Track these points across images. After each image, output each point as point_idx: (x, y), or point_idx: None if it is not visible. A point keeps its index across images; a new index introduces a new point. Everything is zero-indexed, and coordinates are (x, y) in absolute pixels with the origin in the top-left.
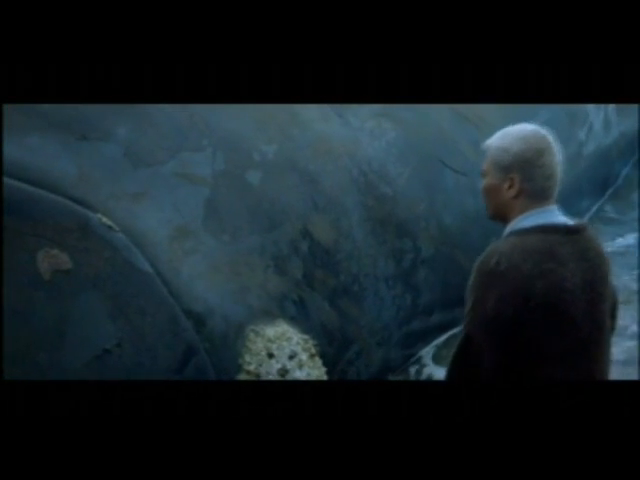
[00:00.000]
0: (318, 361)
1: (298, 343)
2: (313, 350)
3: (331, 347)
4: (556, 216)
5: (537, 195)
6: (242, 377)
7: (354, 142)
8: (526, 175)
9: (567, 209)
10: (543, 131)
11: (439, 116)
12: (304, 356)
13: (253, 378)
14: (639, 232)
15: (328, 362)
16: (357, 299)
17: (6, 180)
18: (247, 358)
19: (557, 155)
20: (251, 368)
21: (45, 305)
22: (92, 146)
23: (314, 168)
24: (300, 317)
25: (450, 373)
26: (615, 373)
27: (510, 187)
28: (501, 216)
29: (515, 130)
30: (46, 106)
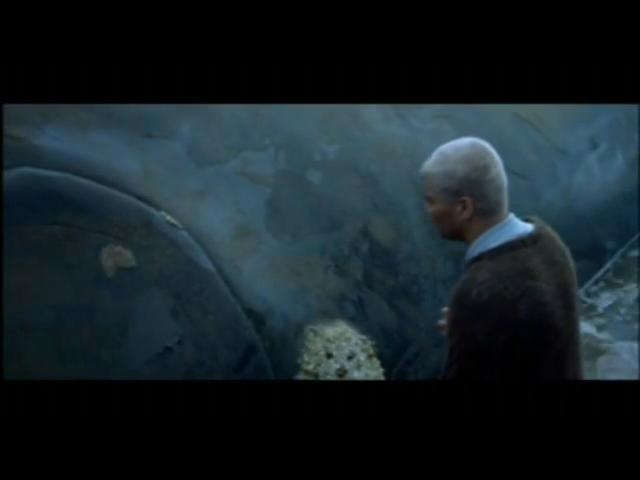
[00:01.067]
0: (376, 362)
1: (357, 343)
2: (371, 351)
3: (389, 348)
4: (516, 226)
5: (492, 211)
6: (300, 377)
7: (414, 143)
8: (477, 195)
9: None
10: (479, 143)
11: (499, 118)
12: (362, 356)
13: (311, 378)
14: None
15: (386, 363)
16: (416, 300)
17: (72, 177)
18: (306, 358)
19: (499, 163)
20: (310, 368)
21: (108, 302)
22: (157, 144)
23: (374, 169)
24: (359, 317)
25: None
26: None
27: (463, 209)
28: (457, 237)
29: (453, 151)
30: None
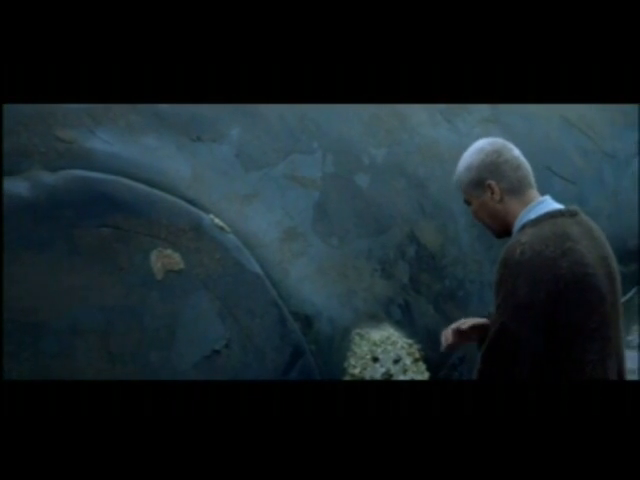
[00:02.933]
0: (422, 366)
1: (403, 347)
2: (417, 355)
3: (435, 352)
4: (553, 203)
5: (516, 188)
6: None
7: (462, 147)
8: (497, 176)
9: None
10: (492, 138)
11: (546, 122)
12: (408, 360)
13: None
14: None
15: (432, 367)
16: (462, 304)
17: (122, 180)
18: (352, 361)
19: (514, 149)
20: (356, 372)
21: (157, 305)
22: (206, 147)
23: (422, 173)
24: (405, 321)
25: (486, 364)
26: None
27: (492, 193)
28: (504, 228)
29: (468, 151)
30: (162, 107)
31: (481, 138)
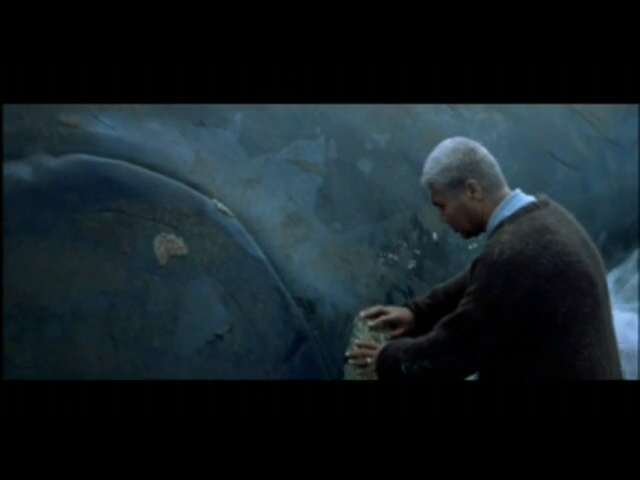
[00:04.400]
0: None
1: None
2: None
3: None
4: (525, 197)
5: (495, 185)
6: (349, 366)
7: (465, 133)
8: (478, 174)
9: None
10: (456, 138)
11: (550, 108)
12: None
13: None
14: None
15: None
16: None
17: (126, 164)
18: (355, 347)
19: (481, 146)
20: None
21: (160, 290)
22: (209, 132)
23: (425, 158)
24: None
25: (440, 337)
26: None
27: (473, 192)
28: (477, 227)
29: (439, 151)
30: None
31: (486, 124)
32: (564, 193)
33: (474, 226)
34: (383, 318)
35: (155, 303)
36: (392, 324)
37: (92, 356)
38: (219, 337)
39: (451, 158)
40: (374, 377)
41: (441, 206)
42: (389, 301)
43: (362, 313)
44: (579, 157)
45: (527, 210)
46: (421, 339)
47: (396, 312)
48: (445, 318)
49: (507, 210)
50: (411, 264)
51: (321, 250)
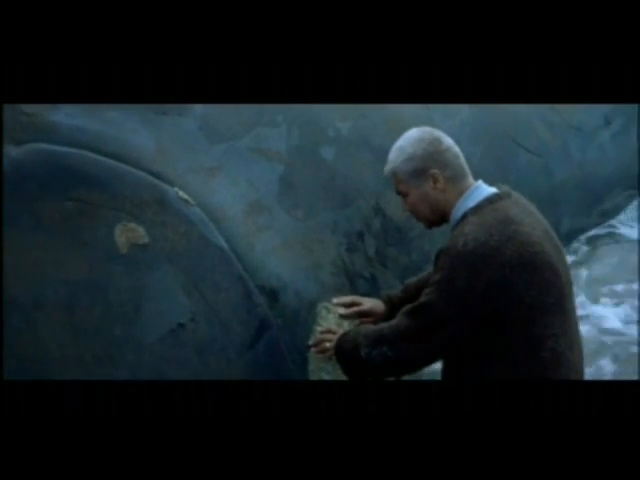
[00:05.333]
0: None
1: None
2: None
3: None
4: (488, 188)
5: (459, 176)
6: (312, 354)
7: (428, 120)
8: (441, 164)
9: None
10: (423, 127)
11: None
12: None
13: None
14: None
15: None
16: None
17: (86, 153)
18: (318, 335)
19: (447, 136)
20: None
21: (122, 279)
22: (170, 121)
23: (388, 145)
24: (372, 295)
25: (401, 324)
26: None
27: (436, 183)
28: (440, 217)
29: (404, 140)
30: None
31: (449, 110)
32: (527, 179)
33: (436, 216)
34: (355, 309)
35: (116, 292)
36: (364, 315)
37: (53, 346)
38: (182, 326)
39: (415, 147)
40: (337, 365)
41: (404, 195)
42: (353, 289)
43: (335, 300)
44: (542, 143)
45: (490, 201)
46: (383, 325)
47: (369, 303)
48: (408, 306)
49: (470, 201)
50: (374, 251)
51: (283, 238)
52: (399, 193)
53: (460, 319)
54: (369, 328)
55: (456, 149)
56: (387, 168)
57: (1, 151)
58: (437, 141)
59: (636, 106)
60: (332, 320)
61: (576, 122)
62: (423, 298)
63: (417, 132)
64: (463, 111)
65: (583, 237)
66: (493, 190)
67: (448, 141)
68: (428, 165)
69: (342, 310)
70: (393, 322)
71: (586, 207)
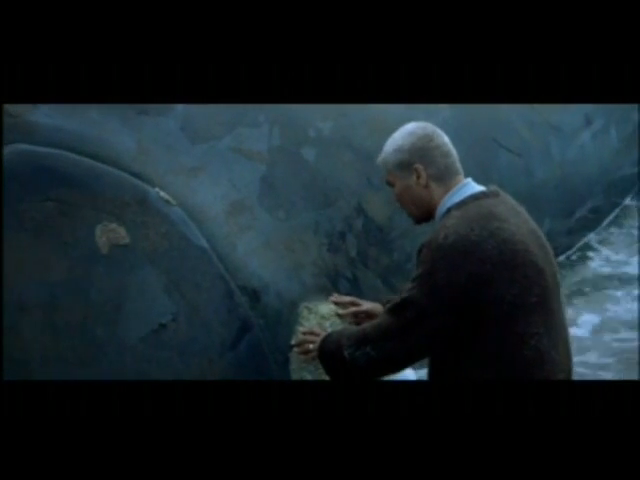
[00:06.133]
0: None
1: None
2: None
3: None
4: (476, 186)
5: (444, 175)
6: (294, 354)
7: (409, 119)
8: (426, 161)
9: None
10: (422, 122)
11: None
12: None
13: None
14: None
15: None
16: (410, 277)
17: (66, 153)
18: (300, 335)
19: (444, 135)
20: None
21: (103, 279)
22: (151, 121)
23: (369, 145)
24: (353, 295)
25: (383, 323)
26: None
27: (418, 177)
28: (426, 212)
29: (399, 133)
30: None
31: (430, 110)
32: (508, 179)
33: (421, 211)
34: (354, 309)
35: (98, 292)
36: (362, 316)
37: (34, 346)
38: (163, 326)
39: (405, 140)
40: (319, 365)
41: (391, 185)
42: (335, 289)
43: (332, 298)
44: (523, 143)
45: (476, 198)
46: (365, 325)
47: (368, 305)
48: (390, 304)
49: (456, 197)
50: (355, 252)
51: (265, 238)
52: (388, 183)
53: (441, 313)
54: (352, 329)
55: (447, 148)
56: (379, 157)
57: (1, 151)
58: (427, 137)
59: (616, 106)
60: (313, 320)
61: (556, 122)
62: (405, 294)
63: (412, 126)
64: (444, 110)
65: None
66: (481, 188)
67: (440, 140)
68: (413, 159)
69: (340, 310)
70: (376, 321)
71: (567, 207)
